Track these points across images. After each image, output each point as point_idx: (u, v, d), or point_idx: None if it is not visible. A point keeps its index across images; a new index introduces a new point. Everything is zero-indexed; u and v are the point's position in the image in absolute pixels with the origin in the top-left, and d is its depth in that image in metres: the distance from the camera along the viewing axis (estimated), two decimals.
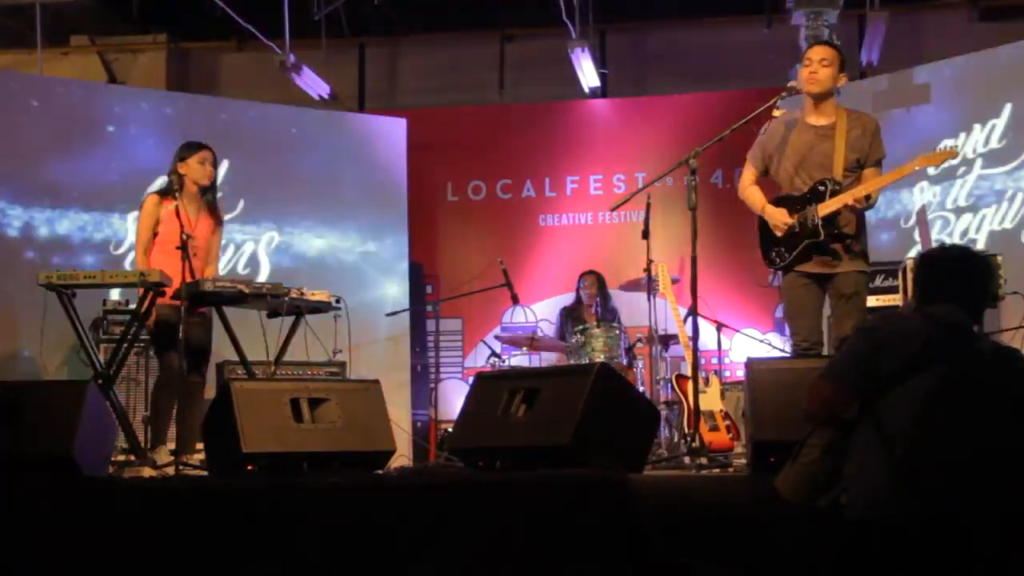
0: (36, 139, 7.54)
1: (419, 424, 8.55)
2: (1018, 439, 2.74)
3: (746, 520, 3.33)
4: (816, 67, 4.73)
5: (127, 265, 7.46)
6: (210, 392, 5.92)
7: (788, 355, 5.71)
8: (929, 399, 2.75)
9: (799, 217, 4.69)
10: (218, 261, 5.77)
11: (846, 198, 4.57)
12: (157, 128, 7.81)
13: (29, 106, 7.60)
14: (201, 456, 5.07)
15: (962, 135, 7.40)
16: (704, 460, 4.71)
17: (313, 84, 8.61)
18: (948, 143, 7.39)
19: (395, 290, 8.51)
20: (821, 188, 4.67)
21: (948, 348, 2.86)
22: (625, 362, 7.12)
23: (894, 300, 6.36)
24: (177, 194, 5.23)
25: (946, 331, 2.89)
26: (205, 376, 5.50)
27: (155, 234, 5.37)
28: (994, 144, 7.25)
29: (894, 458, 2.76)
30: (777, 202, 4.82)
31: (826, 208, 4.62)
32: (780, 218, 4.74)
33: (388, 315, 7.88)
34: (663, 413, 6.56)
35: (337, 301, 5.77)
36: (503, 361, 7.59)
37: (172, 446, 5.28)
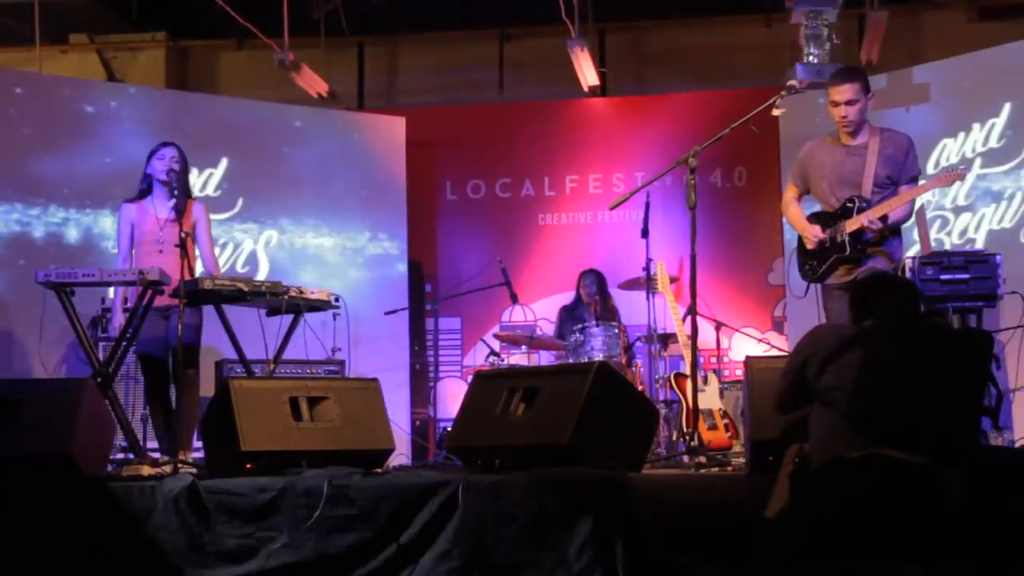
0: (28, 135, 7.50)
1: (418, 423, 8.55)
2: (937, 376, 3.22)
3: (745, 519, 3.34)
4: (844, 110, 4.92)
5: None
6: (209, 390, 5.93)
7: (786, 354, 5.70)
8: (862, 363, 3.25)
9: (830, 232, 4.96)
10: (212, 250, 5.83)
11: (862, 219, 4.81)
12: (155, 126, 7.78)
13: (20, 102, 7.56)
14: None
15: (961, 134, 7.40)
16: (703, 459, 4.71)
17: (312, 83, 8.60)
18: (948, 142, 7.41)
19: (394, 289, 8.50)
20: (850, 205, 4.93)
21: (868, 333, 3.34)
22: (624, 361, 7.12)
23: None
24: (150, 195, 5.62)
25: (867, 332, 3.35)
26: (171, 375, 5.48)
27: (132, 238, 5.64)
28: (993, 143, 7.24)
29: (843, 408, 3.22)
30: (813, 218, 5.11)
31: (852, 225, 4.89)
32: (813, 232, 5.03)
33: (387, 314, 7.87)
34: (662, 412, 6.56)
35: (336, 299, 5.77)
36: (502, 360, 7.58)
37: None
